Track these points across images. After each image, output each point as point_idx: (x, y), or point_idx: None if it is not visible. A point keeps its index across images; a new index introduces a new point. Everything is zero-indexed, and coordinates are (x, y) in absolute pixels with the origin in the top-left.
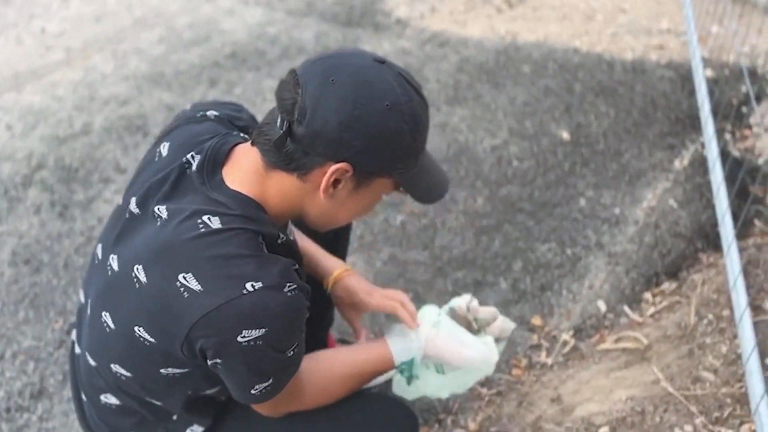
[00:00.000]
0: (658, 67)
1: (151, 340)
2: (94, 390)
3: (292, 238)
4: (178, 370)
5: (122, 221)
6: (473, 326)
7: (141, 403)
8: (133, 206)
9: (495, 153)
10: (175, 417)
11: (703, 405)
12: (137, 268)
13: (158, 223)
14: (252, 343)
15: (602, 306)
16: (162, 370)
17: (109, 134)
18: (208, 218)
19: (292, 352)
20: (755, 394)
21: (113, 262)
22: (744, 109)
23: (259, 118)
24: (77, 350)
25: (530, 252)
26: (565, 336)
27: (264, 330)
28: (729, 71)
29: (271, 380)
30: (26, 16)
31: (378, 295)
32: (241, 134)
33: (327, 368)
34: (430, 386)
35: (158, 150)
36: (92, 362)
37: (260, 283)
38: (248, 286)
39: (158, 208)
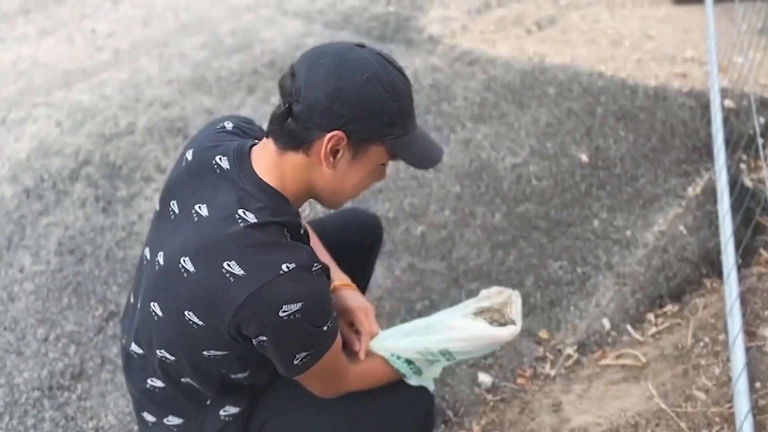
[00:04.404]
0: (679, 95)
1: (200, 323)
2: (141, 377)
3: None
4: (218, 352)
5: (165, 222)
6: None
7: (180, 387)
8: (174, 208)
9: (515, 171)
10: (209, 402)
11: (693, 422)
12: (184, 260)
13: (197, 219)
14: (292, 317)
15: (606, 324)
16: (204, 352)
17: (151, 135)
18: (244, 212)
19: (327, 327)
20: (741, 412)
21: (160, 258)
22: (761, 141)
23: None
24: (125, 343)
25: (542, 268)
26: (569, 350)
27: (301, 303)
28: (748, 102)
29: (312, 350)
30: (78, 17)
31: (373, 320)
32: (255, 140)
33: (369, 363)
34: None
35: (185, 157)
36: (139, 350)
37: (294, 264)
38: (284, 266)
39: (198, 206)
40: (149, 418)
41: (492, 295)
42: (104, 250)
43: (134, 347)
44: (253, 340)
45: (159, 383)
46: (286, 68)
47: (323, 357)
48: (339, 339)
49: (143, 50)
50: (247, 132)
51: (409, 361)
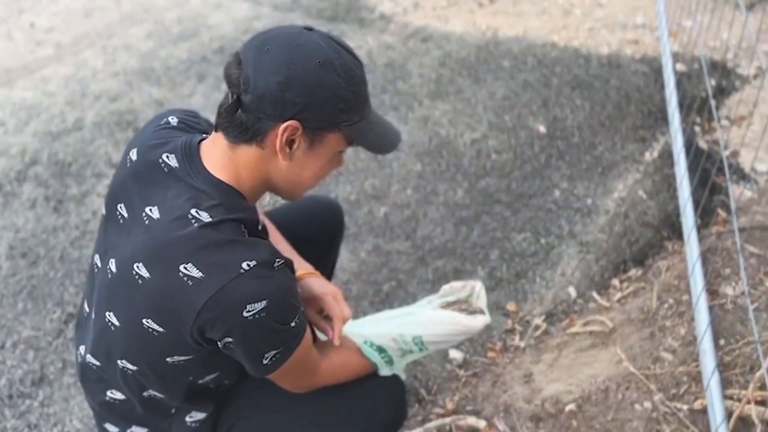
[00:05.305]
0: (632, 62)
1: (160, 329)
2: (99, 389)
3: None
4: (182, 358)
5: (114, 227)
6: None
7: (142, 400)
8: (123, 211)
9: (475, 146)
10: (173, 410)
11: (662, 383)
12: (137, 266)
13: (148, 222)
14: (257, 316)
15: (573, 292)
16: (168, 359)
17: (100, 129)
18: (197, 212)
19: (295, 323)
20: (707, 370)
21: (111, 265)
22: (713, 102)
23: None
24: (80, 359)
25: (507, 241)
26: (538, 321)
27: (265, 302)
28: (699, 65)
29: (281, 348)
30: (15, 11)
31: (343, 303)
32: (202, 134)
33: (341, 354)
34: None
35: (128, 157)
36: (96, 362)
37: (254, 261)
38: (244, 265)
39: (149, 209)
40: (112, 429)
41: (455, 291)
42: (58, 251)
43: (90, 359)
44: (219, 343)
45: (119, 395)
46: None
47: (293, 353)
48: (308, 333)
49: (86, 43)
50: (193, 126)
51: (381, 349)
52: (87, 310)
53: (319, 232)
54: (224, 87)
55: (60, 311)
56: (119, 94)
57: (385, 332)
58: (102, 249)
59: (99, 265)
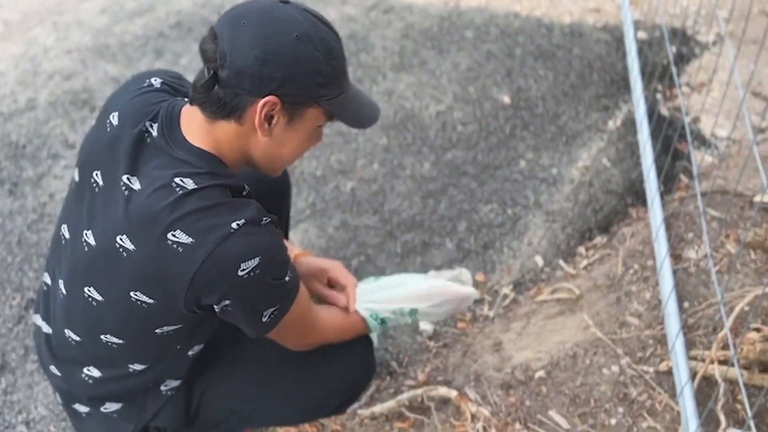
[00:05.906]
0: (594, 30)
1: (150, 301)
2: (76, 365)
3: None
4: (171, 328)
5: (87, 196)
6: None
7: (125, 374)
8: (98, 179)
9: (440, 118)
10: (150, 385)
11: (628, 347)
12: (121, 239)
13: (128, 193)
14: (252, 273)
15: (539, 261)
16: (157, 330)
17: (54, 109)
18: (181, 180)
19: (288, 277)
20: (672, 333)
21: (88, 238)
22: (674, 69)
23: None
24: (47, 331)
25: (474, 213)
26: (506, 290)
27: (258, 258)
28: (660, 33)
29: (278, 304)
30: None
31: (348, 272)
32: (185, 98)
33: (338, 314)
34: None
35: (108, 120)
36: (76, 338)
37: (243, 219)
38: (233, 225)
39: (128, 178)
40: (82, 409)
41: (443, 273)
42: (15, 236)
43: (70, 334)
44: (216, 308)
45: (96, 372)
46: (194, 29)
47: (291, 309)
48: (304, 291)
49: (36, 20)
50: (177, 89)
51: (383, 321)
52: (50, 282)
53: (266, 194)
54: (183, 62)
55: (20, 297)
56: (73, 72)
57: (386, 307)
58: (73, 220)
59: (68, 236)
